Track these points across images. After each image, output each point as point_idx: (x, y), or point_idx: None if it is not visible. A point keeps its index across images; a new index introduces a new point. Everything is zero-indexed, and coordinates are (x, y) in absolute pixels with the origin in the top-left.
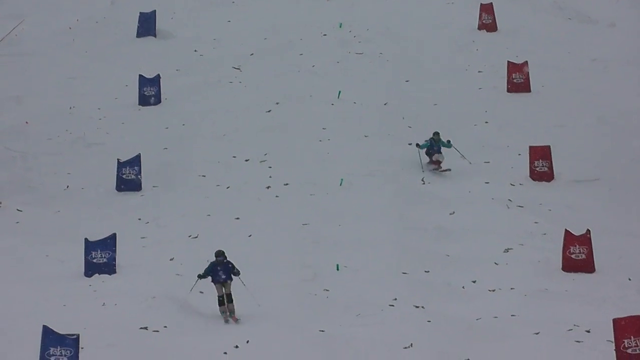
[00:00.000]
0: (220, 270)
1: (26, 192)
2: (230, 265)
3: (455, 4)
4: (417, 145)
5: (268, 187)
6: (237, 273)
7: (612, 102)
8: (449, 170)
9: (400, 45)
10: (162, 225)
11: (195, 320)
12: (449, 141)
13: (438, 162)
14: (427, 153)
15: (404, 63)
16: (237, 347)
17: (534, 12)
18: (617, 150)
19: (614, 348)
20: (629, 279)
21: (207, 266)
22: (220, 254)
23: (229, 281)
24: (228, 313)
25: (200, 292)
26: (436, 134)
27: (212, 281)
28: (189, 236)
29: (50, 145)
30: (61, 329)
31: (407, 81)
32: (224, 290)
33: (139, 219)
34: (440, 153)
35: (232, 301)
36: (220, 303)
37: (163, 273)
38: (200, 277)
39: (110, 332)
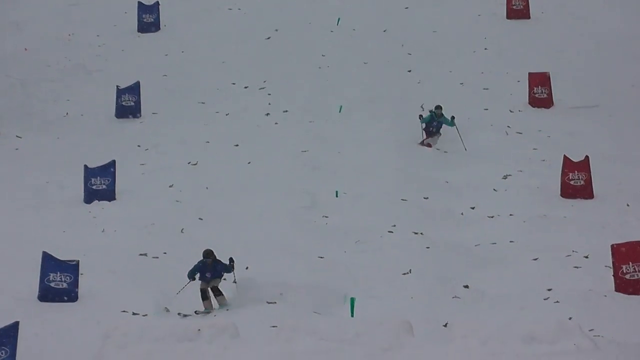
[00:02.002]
0: (208, 272)
1: (26, 119)
2: (220, 266)
3: None
4: (420, 117)
5: (267, 114)
6: (230, 269)
7: (612, 27)
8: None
9: None
10: (162, 152)
11: (195, 247)
12: (453, 118)
13: (429, 146)
14: (425, 129)
15: None
16: (234, 281)
17: None
18: (616, 76)
19: (613, 274)
20: (628, 205)
21: (195, 265)
22: (208, 254)
23: (217, 278)
24: (213, 304)
25: (200, 218)
26: (438, 107)
27: (199, 279)
28: (189, 163)
29: (49, 72)
30: (61, 255)
31: (406, 8)
32: (209, 285)
33: (139, 146)
34: (435, 136)
35: (221, 294)
36: (204, 297)
37: (162, 200)
38: (190, 278)
39: (110, 259)
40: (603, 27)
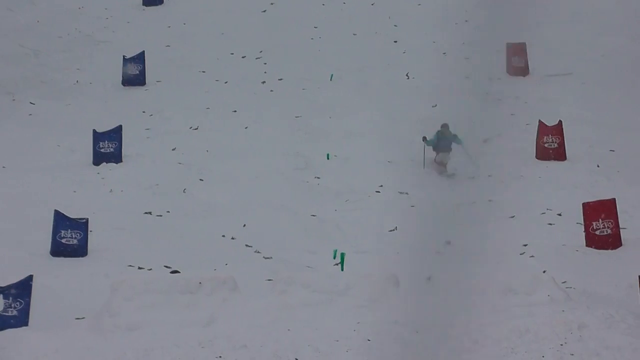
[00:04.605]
0: None
1: (39, 86)
2: None
3: None
4: (424, 139)
5: (263, 82)
6: None
7: (585, 1)
8: (454, 174)
9: None
10: (165, 117)
11: (196, 207)
12: (457, 136)
13: (443, 164)
14: (434, 149)
15: None
16: (233, 237)
17: None
18: (589, 46)
19: (584, 230)
20: (598, 166)
21: None
22: None
23: None
24: None
25: (200, 179)
26: (444, 126)
27: None
28: (190, 128)
29: (61, 42)
30: (72, 214)
31: None
32: None
33: (143, 112)
34: (447, 152)
35: None
36: None
37: (166, 162)
38: None
39: (117, 217)
40: (577, 1)
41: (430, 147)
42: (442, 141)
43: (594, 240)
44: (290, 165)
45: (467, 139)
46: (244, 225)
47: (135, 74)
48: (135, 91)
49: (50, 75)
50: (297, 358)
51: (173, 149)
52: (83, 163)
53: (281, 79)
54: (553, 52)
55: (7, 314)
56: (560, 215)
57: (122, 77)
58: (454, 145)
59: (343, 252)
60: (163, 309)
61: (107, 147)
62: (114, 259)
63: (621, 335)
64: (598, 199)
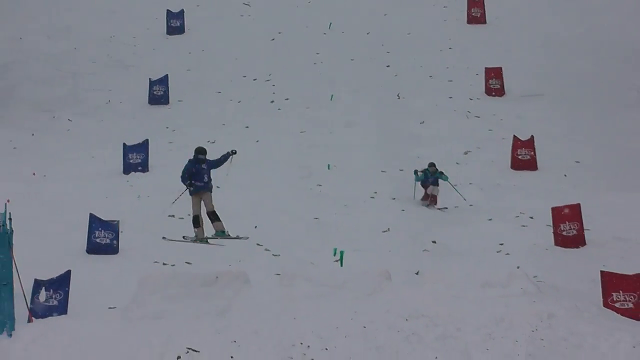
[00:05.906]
0: (204, 173)
1: (75, 105)
2: (213, 163)
3: None
4: (415, 172)
5: (272, 102)
6: (225, 158)
7: (555, 30)
8: (446, 208)
9: None
10: (186, 132)
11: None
12: (442, 173)
13: (434, 197)
14: (422, 185)
15: None
16: (240, 237)
17: None
18: (558, 70)
19: (552, 231)
20: (565, 175)
21: (185, 165)
22: (201, 151)
23: (209, 192)
24: (206, 232)
25: (217, 186)
26: (431, 165)
27: (190, 192)
28: (208, 141)
29: (94, 67)
30: (104, 216)
31: (385, 15)
32: (203, 206)
33: (167, 127)
34: (436, 185)
35: (218, 219)
36: (196, 224)
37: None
38: (185, 182)
39: (144, 219)
40: (547, 30)
41: (419, 183)
42: (430, 179)
43: (561, 240)
44: (296, 175)
45: (450, 152)
46: (255, 227)
47: (160, 94)
48: (160, 109)
49: (85, 95)
50: (302, 342)
51: None
52: (114, 172)
53: (288, 99)
54: (526, 75)
55: (49, 303)
56: (532, 218)
57: (149, 97)
58: (440, 182)
59: (342, 250)
60: (184, 300)
61: (136, 158)
62: (141, 256)
63: (585, 324)
64: (565, 203)
